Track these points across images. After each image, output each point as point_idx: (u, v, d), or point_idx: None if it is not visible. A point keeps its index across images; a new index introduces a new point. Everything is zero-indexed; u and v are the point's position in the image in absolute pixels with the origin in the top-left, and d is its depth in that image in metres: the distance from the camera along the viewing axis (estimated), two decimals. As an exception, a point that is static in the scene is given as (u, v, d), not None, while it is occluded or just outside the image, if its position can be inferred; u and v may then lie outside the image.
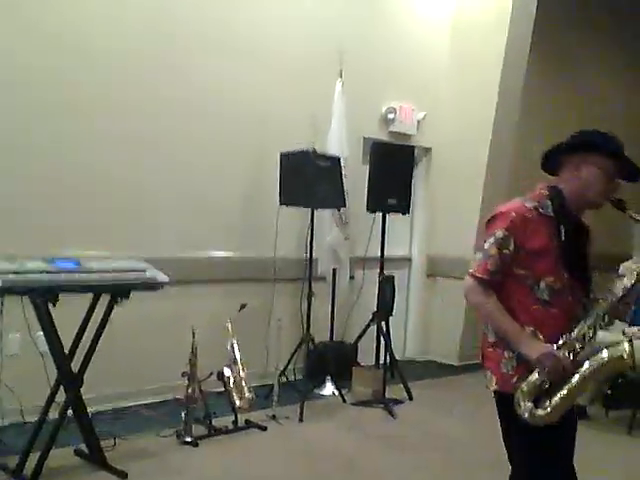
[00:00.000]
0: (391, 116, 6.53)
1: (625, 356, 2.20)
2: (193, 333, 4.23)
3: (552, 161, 2.43)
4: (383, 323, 5.54)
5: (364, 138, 6.28)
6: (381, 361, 5.52)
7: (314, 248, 5.41)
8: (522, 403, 2.22)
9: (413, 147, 5.90)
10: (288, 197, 5.18)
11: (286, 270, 5.51)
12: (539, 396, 2.21)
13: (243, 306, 4.75)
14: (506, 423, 2.39)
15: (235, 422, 4.44)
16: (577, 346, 2.23)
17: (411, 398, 5.43)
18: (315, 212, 5.26)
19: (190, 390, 4.17)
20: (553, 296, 2.27)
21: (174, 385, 4.58)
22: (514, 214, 2.28)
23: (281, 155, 5.23)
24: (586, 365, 2.21)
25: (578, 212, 2.38)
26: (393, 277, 5.53)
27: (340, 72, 5.71)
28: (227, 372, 4.49)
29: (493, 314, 2.30)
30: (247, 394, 4.53)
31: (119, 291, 3.61)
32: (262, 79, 5.45)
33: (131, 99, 4.76)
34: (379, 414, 5.04)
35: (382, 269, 5.60)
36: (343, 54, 5.66)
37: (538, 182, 2.46)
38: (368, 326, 5.64)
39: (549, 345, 2.22)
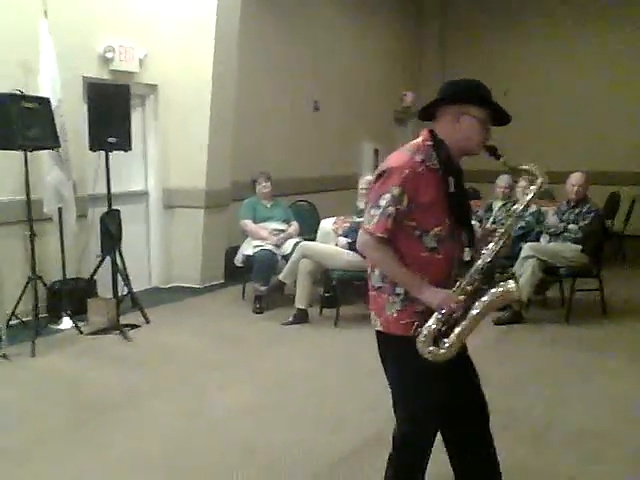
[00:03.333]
0: (110, 55, 6.60)
1: (514, 289, 2.42)
2: None
3: (427, 111, 2.46)
4: (118, 256, 5.83)
5: (83, 78, 6.33)
6: (120, 292, 5.86)
7: (39, 189, 5.51)
8: (424, 349, 2.33)
9: (128, 86, 6.11)
10: (-1, 141, 5.17)
11: (8, 212, 5.55)
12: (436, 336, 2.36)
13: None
14: (389, 363, 2.51)
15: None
16: (469, 288, 2.38)
17: (148, 322, 5.83)
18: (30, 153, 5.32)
19: None
20: (439, 243, 2.36)
21: None
22: (407, 171, 2.31)
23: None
24: (480, 302, 2.39)
25: (458, 160, 2.46)
26: (117, 211, 5.81)
27: (45, 12, 5.68)
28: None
29: (392, 268, 2.36)
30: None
31: None
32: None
33: None
34: (114, 340, 5.39)
35: (110, 205, 5.87)
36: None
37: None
38: (101, 261, 5.90)
39: (447, 290, 2.35)
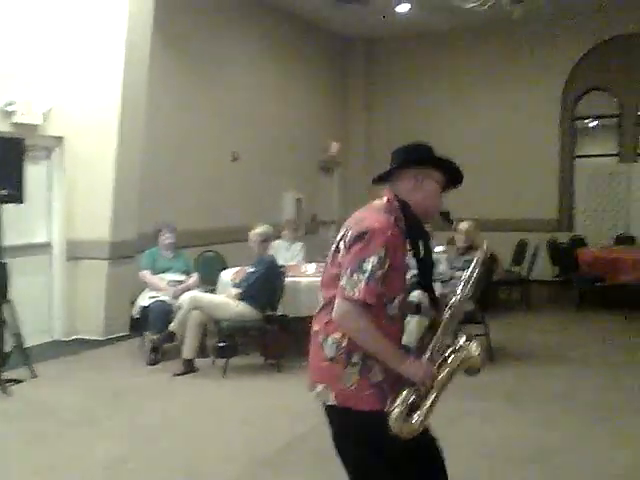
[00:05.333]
0: (11, 108, 6.69)
1: (476, 353, 2.33)
2: None
3: (384, 176, 2.42)
4: (6, 310, 5.79)
5: (-14, 131, 6.38)
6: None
7: None
8: (398, 424, 2.20)
9: (22, 139, 6.16)
10: None
11: None
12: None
13: None
14: (344, 439, 2.37)
15: None
16: (438, 360, 2.30)
17: (35, 376, 5.76)
18: None
19: None
20: (397, 311, 2.30)
21: None
22: (390, 232, 2.23)
23: None
24: (445, 371, 2.30)
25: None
26: (4, 264, 5.81)
27: None
28: None
29: (375, 338, 2.21)
30: None
31: None
32: None
33: None
34: (-6, 394, 5.35)
35: None
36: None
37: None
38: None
39: (425, 362, 2.26)
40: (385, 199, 2.37)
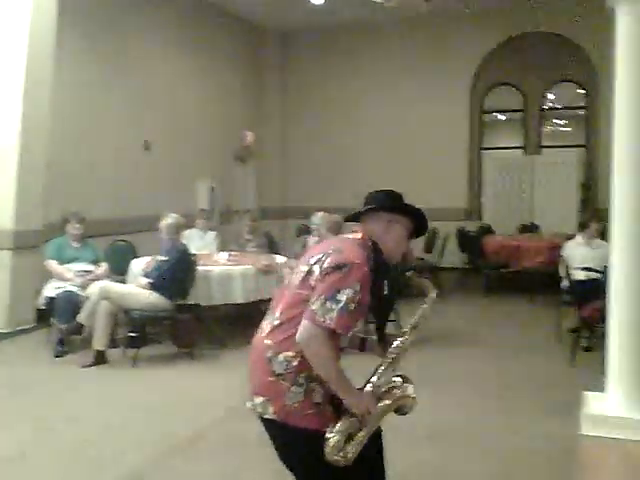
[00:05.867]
0: None
1: (411, 395, 2.46)
2: None
3: (357, 215, 2.53)
4: None
5: None
6: None
7: None
8: (334, 454, 2.27)
9: None
10: None
11: None
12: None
13: None
14: (286, 451, 2.41)
15: None
16: (381, 390, 2.40)
17: None
18: None
19: None
20: (346, 343, 2.42)
21: None
22: (366, 269, 2.32)
23: None
24: (381, 404, 2.38)
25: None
26: None
27: None
28: None
29: (332, 366, 2.29)
30: None
31: None
32: None
33: None
34: None
35: None
36: None
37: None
38: None
39: (369, 396, 2.36)
40: (360, 235, 2.46)
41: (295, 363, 2.30)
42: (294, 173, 12.59)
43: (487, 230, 10.25)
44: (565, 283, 6.54)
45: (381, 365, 2.43)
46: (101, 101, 8.52)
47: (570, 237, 7.50)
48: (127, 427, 4.45)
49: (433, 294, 2.56)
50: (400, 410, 2.45)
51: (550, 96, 11.83)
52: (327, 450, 2.27)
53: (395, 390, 2.43)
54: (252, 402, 2.38)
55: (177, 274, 5.99)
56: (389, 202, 2.52)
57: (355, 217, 2.54)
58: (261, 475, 3.66)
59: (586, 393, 4.46)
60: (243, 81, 12.04)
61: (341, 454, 2.27)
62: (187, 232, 7.30)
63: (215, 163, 10.97)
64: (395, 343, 2.46)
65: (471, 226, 10.37)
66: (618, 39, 4.29)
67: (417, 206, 2.54)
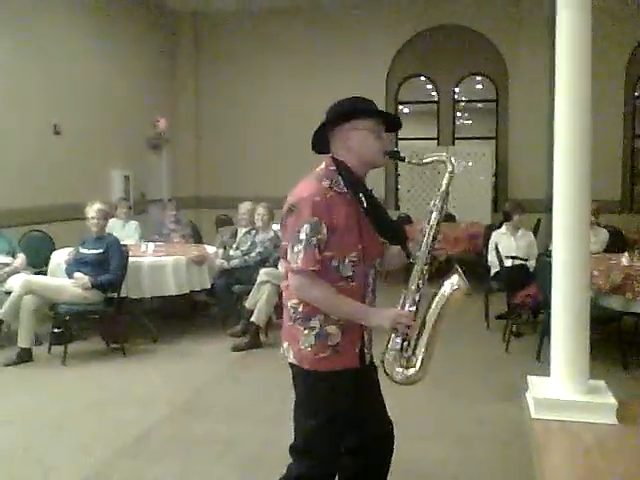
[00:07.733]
0: None
1: (459, 286, 2.38)
2: None
3: (320, 142, 2.44)
4: None
5: None
6: None
7: None
8: (393, 371, 2.29)
9: None
10: None
11: None
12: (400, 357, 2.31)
13: None
14: (299, 397, 2.42)
15: None
16: (416, 298, 2.35)
17: None
18: None
19: None
20: (353, 270, 2.33)
21: None
22: (318, 198, 2.25)
23: None
24: (431, 311, 2.34)
25: (364, 178, 2.43)
26: None
27: None
28: None
29: (335, 301, 2.28)
30: None
31: None
32: None
33: None
34: None
35: None
36: None
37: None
38: None
39: (394, 309, 2.31)
40: (323, 165, 2.41)
41: (301, 309, 2.34)
42: (207, 162, 12.29)
43: (406, 220, 10.40)
44: (495, 270, 6.72)
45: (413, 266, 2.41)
46: (7, 80, 7.93)
47: (490, 227, 7.70)
48: (68, 427, 4.18)
49: (450, 166, 2.57)
50: (455, 302, 2.38)
51: (461, 88, 12.15)
52: (388, 371, 2.30)
53: (442, 286, 2.40)
54: (283, 347, 2.44)
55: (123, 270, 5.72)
56: (330, 115, 2.40)
57: (320, 149, 2.47)
58: (212, 473, 3.55)
59: (530, 377, 4.57)
60: (156, 66, 11.61)
61: (401, 370, 2.30)
62: (110, 221, 6.95)
63: (129, 150, 10.53)
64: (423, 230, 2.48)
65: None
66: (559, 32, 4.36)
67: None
